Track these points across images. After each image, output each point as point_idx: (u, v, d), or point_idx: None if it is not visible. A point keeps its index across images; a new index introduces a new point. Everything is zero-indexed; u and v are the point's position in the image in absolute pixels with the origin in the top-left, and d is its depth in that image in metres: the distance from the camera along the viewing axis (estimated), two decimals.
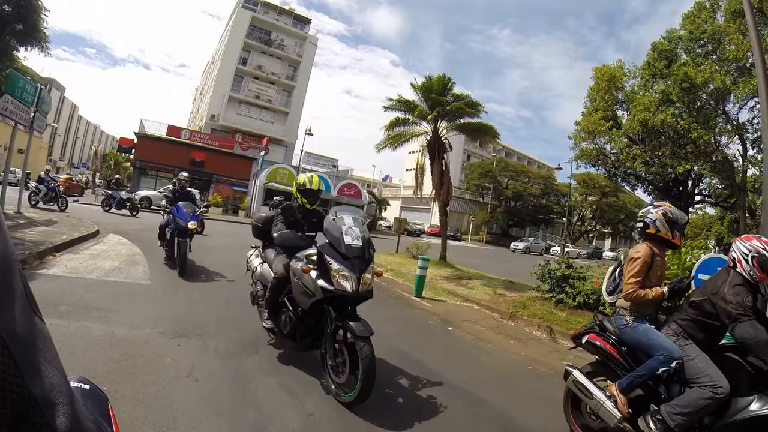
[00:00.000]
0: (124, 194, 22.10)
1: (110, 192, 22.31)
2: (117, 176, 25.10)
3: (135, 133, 39.51)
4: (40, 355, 0.55)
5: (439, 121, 17.88)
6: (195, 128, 50.93)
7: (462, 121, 18.51)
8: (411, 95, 18.51)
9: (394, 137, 18.87)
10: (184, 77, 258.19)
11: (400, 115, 18.49)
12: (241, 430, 3.30)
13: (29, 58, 39.04)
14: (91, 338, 4.52)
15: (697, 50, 22.62)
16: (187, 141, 40.59)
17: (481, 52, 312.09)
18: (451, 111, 17.68)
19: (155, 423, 3.11)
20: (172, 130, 40.41)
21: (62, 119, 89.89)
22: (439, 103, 17.44)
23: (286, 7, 55.81)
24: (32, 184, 18.77)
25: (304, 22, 56.78)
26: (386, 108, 18.61)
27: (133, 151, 40.51)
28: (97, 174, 50.88)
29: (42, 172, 19.36)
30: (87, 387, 0.95)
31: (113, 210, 21.29)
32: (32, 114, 13.46)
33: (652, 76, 24.17)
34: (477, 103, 18.08)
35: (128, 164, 50.86)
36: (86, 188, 40.99)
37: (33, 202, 17.77)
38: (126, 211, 21.39)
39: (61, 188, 18.82)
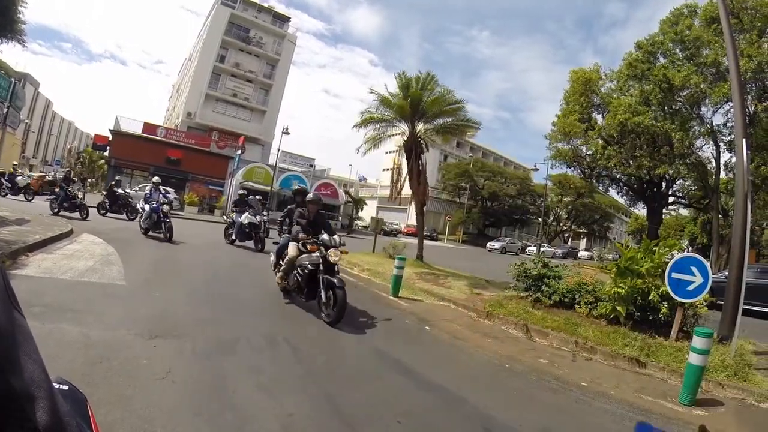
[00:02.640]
0: None
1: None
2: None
3: (110, 130, 38.95)
4: (20, 350, 0.55)
5: (417, 122, 17.83)
6: (171, 126, 50.44)
7: (440, 121, 18.45)
8: (392, 90, 18.39)
9: (375, 138, 18.79)
10: (161, 74, 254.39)
11: (376, 114, 18.35)
12: None
13: (3, 51, 38.22)
14: (65, 340, 4.44)
15: (677, 54, 23.05)
16: (163, 139, 40.21)
17: (460, 53, 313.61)
18: (429, 110, 17.58)
19: (132, 425, 3.09)
20: (148, 127, 39.96)
21: (36, 115, 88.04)
22: (418, 101, 17.33)
23: (266, 5, 55.32)
24: (140, 205, 15.38)
25: (283, 20, 56.40)
26: (363, 114, 18.45)
27: (108, 148, 39.92)
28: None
29: (149, 187, 15.43)
30: (66, 388, 0.94)
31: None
32: (5, 109, 13.12)
33: (631, 77, 24.53)
34: (458, 101, 18.00)
35: (102, 162, 50.03)
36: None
37: (143, 229, 14.21)
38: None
39: (166, 208, 14.26)
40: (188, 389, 3.86)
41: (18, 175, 23.58)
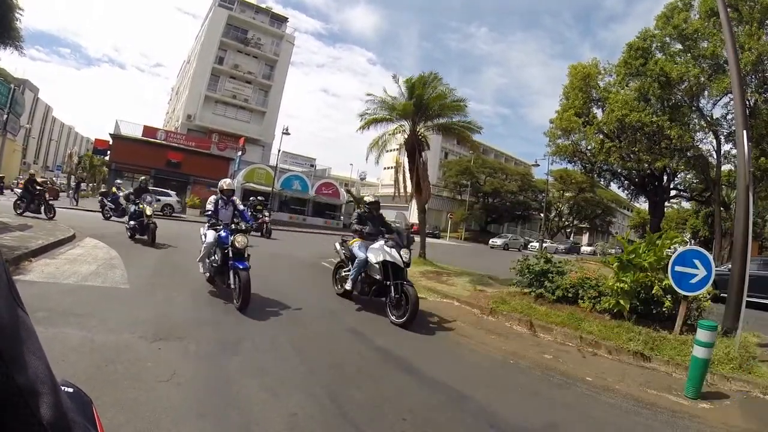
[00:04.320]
0: None
1: None
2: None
3: (110, 134, 38.96)
4: (24, 346, 0.56)
5: (418, 120, 17.83)
6: (171, 129, 50.36)
7: (442, 120, 18.44)
8: (391, 89, 18.35)
9: (379, 142, 18.77)
10: (159, 77, 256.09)
11: (378, 116, 18.33)
12: None
13: (2, 58, 38.21)
14: (70, 344, 4.46)
15: (674, 47, 22.98)
16: (164, 142, 40.14)
17: (459, 50, 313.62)
18: (431, 108, 17.57)
19: (138, 428, 3.09)
20: (148, 130, 39.93)
21: (36, 121, 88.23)
22: (420, 101, 17.32)
23: (263, 6, 55.38)
24: (202, 230, 8.88)
25: (281, 20, 56.43)
26: (363, 117, 18.43)
27: (109, 152, 39.93)
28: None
29: (212, 198, 8.38)
30: (71, 390, 0.94)
31: None
32: (5, 116, 13.17)
33: (628, 74, 24.46)
34: (460, 99, 17.98)
35: (103, 166, 50.08)
36: (61, 191, 40.05)
37: (207, 274, 8.18)
38: None
39: (241, 242, 7.45)
40: (193, 390, 3.87)
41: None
